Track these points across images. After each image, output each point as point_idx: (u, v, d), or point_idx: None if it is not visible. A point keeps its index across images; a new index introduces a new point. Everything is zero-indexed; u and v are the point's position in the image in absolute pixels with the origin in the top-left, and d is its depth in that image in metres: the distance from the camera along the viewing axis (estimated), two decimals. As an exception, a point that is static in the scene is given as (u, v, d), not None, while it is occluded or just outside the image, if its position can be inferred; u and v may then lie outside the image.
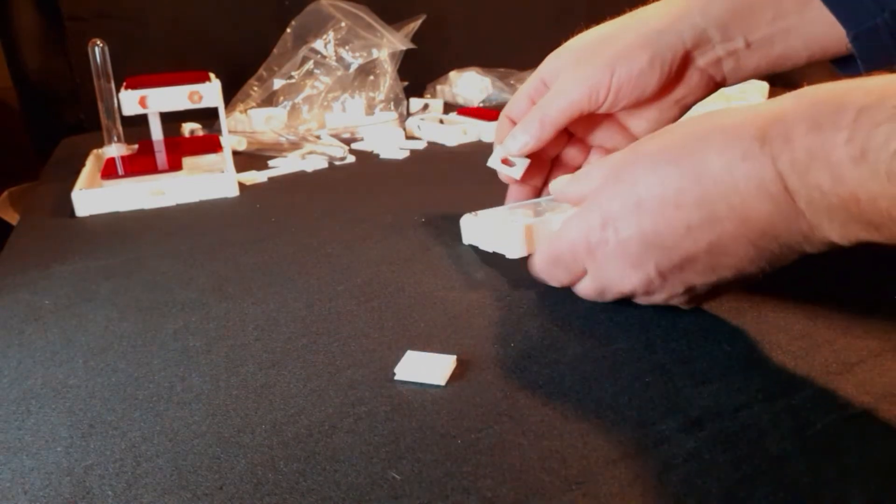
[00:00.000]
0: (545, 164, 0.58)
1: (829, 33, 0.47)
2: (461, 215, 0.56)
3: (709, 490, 0.30)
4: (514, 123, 0.55)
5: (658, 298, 0.41)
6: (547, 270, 0.44)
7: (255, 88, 0.99)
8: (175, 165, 0.74)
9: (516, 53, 1.24)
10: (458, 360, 0.40)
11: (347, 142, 0.92)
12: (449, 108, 1.10)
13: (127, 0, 1.10)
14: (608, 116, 0.54)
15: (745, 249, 0.35)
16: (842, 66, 0.50)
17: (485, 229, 0.53)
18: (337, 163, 0.84)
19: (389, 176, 0.80)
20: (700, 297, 0.40)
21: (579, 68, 0.51)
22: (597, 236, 0.39)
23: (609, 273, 0.40)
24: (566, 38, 0.54)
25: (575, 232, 0.40)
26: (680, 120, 0.42)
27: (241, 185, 0.75)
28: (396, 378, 0.38)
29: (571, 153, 0.58)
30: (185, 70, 0.80)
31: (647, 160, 0.37)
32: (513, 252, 0.49)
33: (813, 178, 0.31)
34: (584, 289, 0.43)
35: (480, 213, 0.55)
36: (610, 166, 0.40)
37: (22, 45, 1.11)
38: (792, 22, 0.47)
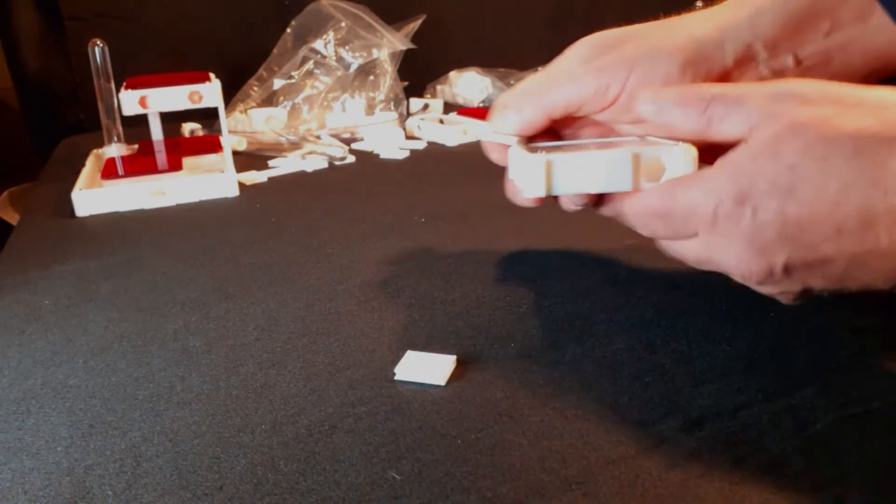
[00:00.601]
0: None
1: (894, 45, 0.41)
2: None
3: (709, 490, 0.30)
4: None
5: (767, 290, 0.36)
6: (646, 221, 0.38)
7: (255, 88, 0.99)
8: (175, 165, 0.74)
9: (516, 53, 1.24)
10: (458, 360, 0.40)
11: (347, 142, 0.92)
12: (449, 108, 1.10)
13: (127, 0, 1.10)
14: (605, 127, 0.45)
15: (888, 269, 0.32)
16: None
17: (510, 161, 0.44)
18: (337, 163, 0.84)
19: (389, 176, 0.80)
20: (809, 298, 0.36)
21: (593, 60, 0.43)
22: (727, 209, 0.33)
23: (727, 251, 0.35)
24: (566, 39, 0.52)
25: (700, 195, 0.34)
26: (859, 98, 0.33)
27: (241, 185, 0.75)
28: (396, 378, 0.39)
29: None
30: (185, 70, 0.80)
31: (818, 145, 0.31)
32: (531, 190, 0.40)
33: None
34: (683, 252, 0.37)
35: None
36: (770, 134, 0.33)
37: (22, 45, 1.11)
38: (852, 34, 0.41)
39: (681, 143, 0.37)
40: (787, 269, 0.33)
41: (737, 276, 0.36)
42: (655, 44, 0.41)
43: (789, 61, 0.42)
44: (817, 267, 0.33)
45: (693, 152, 0.36)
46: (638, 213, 0.38)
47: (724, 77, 0.41)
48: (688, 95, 0.36)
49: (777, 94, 0.34)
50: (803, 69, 0.42)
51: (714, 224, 0.34)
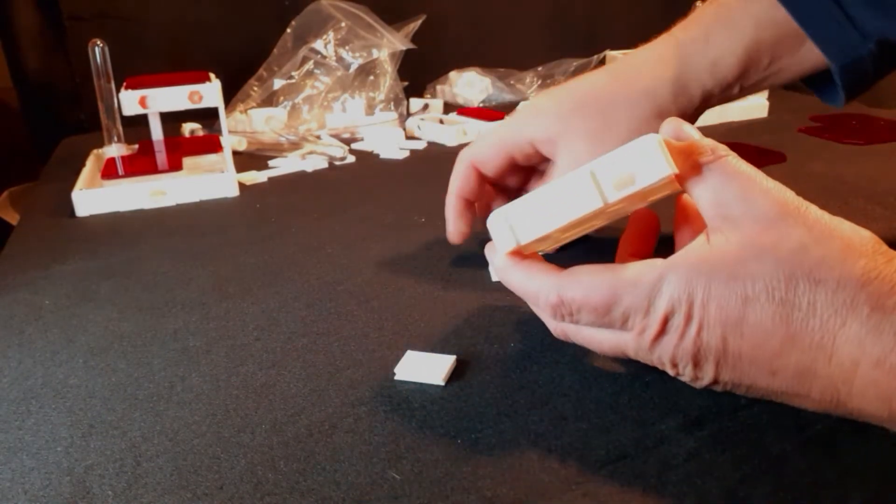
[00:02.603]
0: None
1: (817, 65, 0.48)
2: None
3: (709, 490, 0.30)
4: (468, 203, 0.51)
5: (681, 378, 0.34)
6: (574, 310, 0.34)
7: (255, 88, 0.99)
8: (175, 165, 0.74)
9: (516, 53, 1.24)
10: (458, 360, 0.40)
11: (347, 142, 0.92)
12: (449, 108, 1.10)
13: (127, 0, 1.10)
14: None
15: (815, 408, 0.31)
16: (823, 94, 0.51)
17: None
18: (337, 163, 0.84)
19: (389, 176, 0.80)
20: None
21: (541, 115, 0.49)
22: (677, 323, 0.31)
23: (658, 354, 0.33)
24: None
25: (649, 299, 0.32)
26: (837, 236, 0.30)
27: (241, 185, 0.75)
28: (396, 378, 0.39)
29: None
30: (185, 70, 0.80)
31: (779, 285, 0.29)
32: (503, 246, 0.36)
33: None
34: (596, 343, 0.35)
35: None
36: (735, 246, 0.31)
37: (22, 45, 1.11)
38: (785, 63, 0.48)
39: (644, 136, 0.32)
40: (714, 381, 0.32)
41: (662, 368, 0.34)
42: (615, 119, 0.47)
43: (736, 90, 0.49)
44: (742, 387, 0.32)
45: (657, 138, 0.32)
46: (569, 300, 0.34)
47: (684, 117, 0.43)
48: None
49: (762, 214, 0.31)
50: (743, 91, 0.49)
51: (660, 333, 0.32)
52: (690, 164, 0.32)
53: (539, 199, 0.34)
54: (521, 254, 0.36)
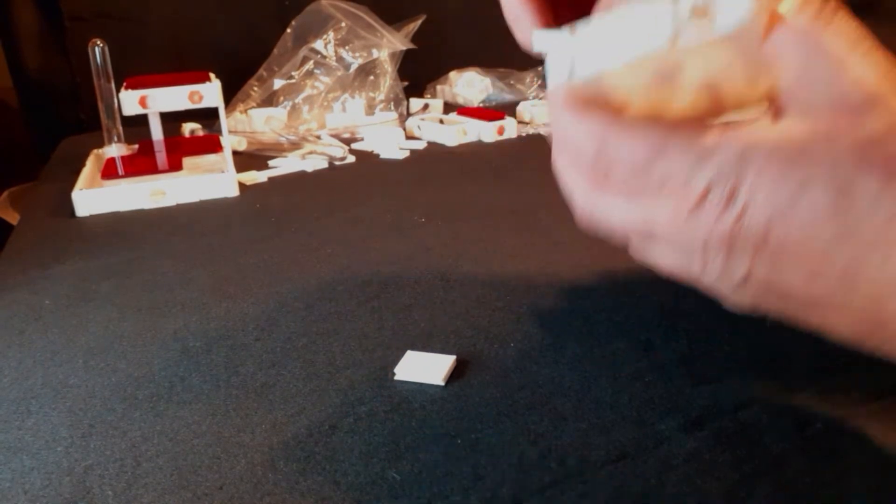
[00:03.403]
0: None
1: None
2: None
3: (709, 490, 0.30)
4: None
5: (706, 280, 0.30)
6: (600, 161, 0.30)
7: (256, 88, 0.99)
8: (175, 165, 0.74)
9: (516, 53, 1.24)
10: (457, 360, 0.40)
11: (347, 142, 0.92)
12: (449, 108, 1.10)
13: (127, 0, 1.10)
14: None
15: (848, 327, 0.28)
16: None
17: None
18: (337, 163, 0.84)
19: (389, 176, 0.80)
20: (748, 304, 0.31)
21: None
22: (718, 197, 0.27)
23: (683, 236, 0.29)
24: None
25: (695, 166, 0.28)
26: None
27: (241, 185, 0.75)
28: (396, 378, 0.39)
29: None
30: (185, 70, 0.80)
31: (844, 169, 0.26)
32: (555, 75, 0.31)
33: None
34: (612, 213, 0.31)
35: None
36: (807, 126, 0.27)
37: (22, 45, 1.11)
38: None
39: None
40: (746, 279, 0.29)
41: (686, 262, 0.30)
42: None
43: None
44: (775, 292, 0.29)
45: None
46: (613, 148, 0.29)
47: None
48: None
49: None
50: None
51: (697, 204, 0.28)
52: (780, 18, 0.27)
53: (601, 26, 0.29)
54: (581, 97, 0.31)
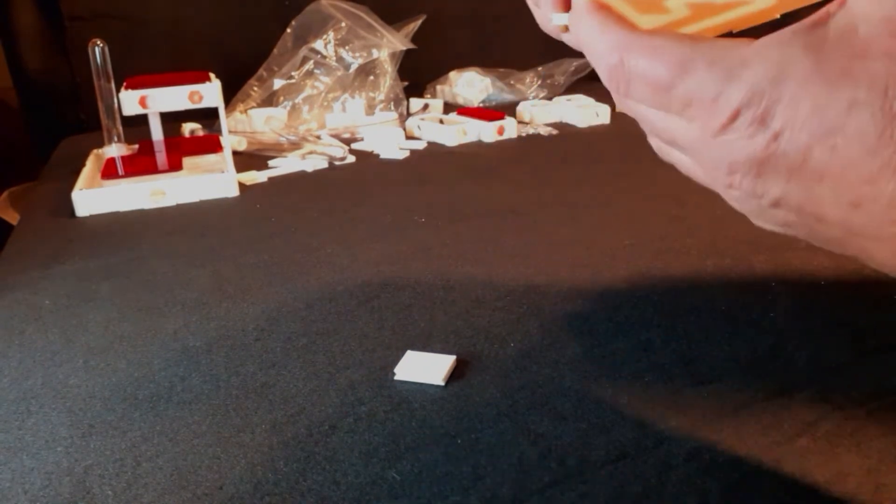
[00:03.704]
0: None
1: None
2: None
3: (709, 490, 0.30)
4: None
5: (734, 201, 0.28)
6: (630, 83, 0.28)
7: (256, 88, 0.99)
8: (175, 165, 0.74)
9: (516, 53, 1.24)
10: (457, 359, 0.40)
11: (347, 142, 0.92)
12: (449, 108, 1.10)
13: (127, 0, 1.10)
14: None
15: (886, 258, 0.26)
16: None
17: None
18: (337, 163, 0.84)
19: (389, 176, 0.80)
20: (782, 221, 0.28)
21: None
22: (748, 118, 0.25)
23: (716, 153, 0.27)
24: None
25: (721, 85, 0.25)
26: None
27: (241, 185, 0.75)
28: (396, 378, 0.39)
29: None
30: (185, 70, 0.80)
31: (894, 80, 0.23)
32: None
33: None
34: (650, 123, 0.29)
35: None
36: (852, 39, 0.24)
37: (22, 45, 1.11)
38: None
39: None
40: (776, 203, 0.26)
41: (710, 178, 0.28)
42: None
43: None
44: (809, 217, 0.26)
45: None
46: (630, 66, 0.28)
47: None
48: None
49: None
50: None
51: (724, 127, 0.26)
52: None
53: None
54: (606, 3, 0.29)
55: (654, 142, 0.30)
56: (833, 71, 0.24)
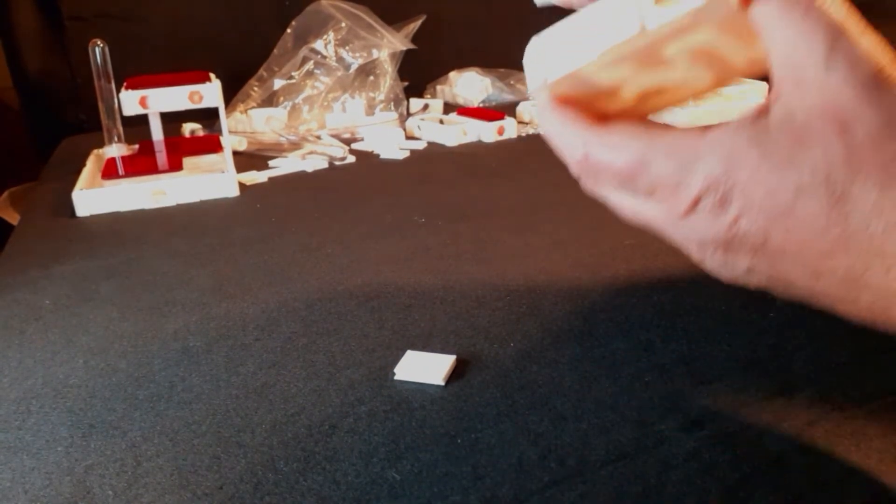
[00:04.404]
0: None
1: None
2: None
3: (709, 490, 0.30)
4: None
5: (706, 267, 0.30)
6: (595, 175, 0.30)
7: (256, 89, 0.99)
8: (175, 165, 0.74)
9: (516, 53, 1.24)
10: (457, 359, 0.40)
11: (347, 142, 0.92)
12: (449, 108, 1.10)
13: (127, 0, 1.10)
14: None
15: (856, 314, 0.27)
16: None
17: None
18: (337, 163, 0.84)
19: (389, 176, 0.80)
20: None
21: None
22: (710, 204, 0.27)
23: (687, 234, 0.29)
24: None
25: (680, 173, 0.27)
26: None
27: (242, 185, 0.75)
28: (396, 378, 0.39)
29: None
30: (185, 70, 0.80)
31: (843, 170, 0.25)
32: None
33: None
34: (621, 204, 0.31)
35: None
36: (792, 128, 0.26)
37: (22, 45, 1.11)
38: None
39: None
40: (748, 271, 0.28)
41: (684, 249, 0.30)
42: None
43: None
44: (779, 283, 0.28)
45: None
46: (595, 161, 0.29)
47: None
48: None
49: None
50: None
51: (688, 212, 0.28)
52: None
53: (571, 25, 0.29)
54: (567, 97, 0.31)
55: (631, 222, 0.32)
56: (778, 159, 0.25)
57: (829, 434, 0.32)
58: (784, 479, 0.30)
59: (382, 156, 0.87)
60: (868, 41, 0.25)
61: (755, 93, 1.02)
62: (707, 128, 0.27)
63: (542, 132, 0.32)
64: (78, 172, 0.75)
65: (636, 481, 0.30)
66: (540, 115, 0.32)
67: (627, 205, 0.30)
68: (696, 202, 0.27)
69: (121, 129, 0.76)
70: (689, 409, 0.35)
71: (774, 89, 0.26)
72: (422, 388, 0.38)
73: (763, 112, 0.26)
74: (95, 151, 0.83)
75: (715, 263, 0.29)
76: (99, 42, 0.71)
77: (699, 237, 0.28)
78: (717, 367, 0.38)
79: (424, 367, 0.39)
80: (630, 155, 0.28)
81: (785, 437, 0.32)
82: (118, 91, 0.73)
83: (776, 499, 0.29)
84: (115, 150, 0.76)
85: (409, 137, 0.95)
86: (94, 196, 0.69)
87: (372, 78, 1.02)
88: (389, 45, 1.01)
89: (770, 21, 0.26)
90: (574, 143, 0.30)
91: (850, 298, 0.27)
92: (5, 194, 1.12)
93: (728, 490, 0.30)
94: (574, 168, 0.31)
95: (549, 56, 0.30)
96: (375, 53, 1.00)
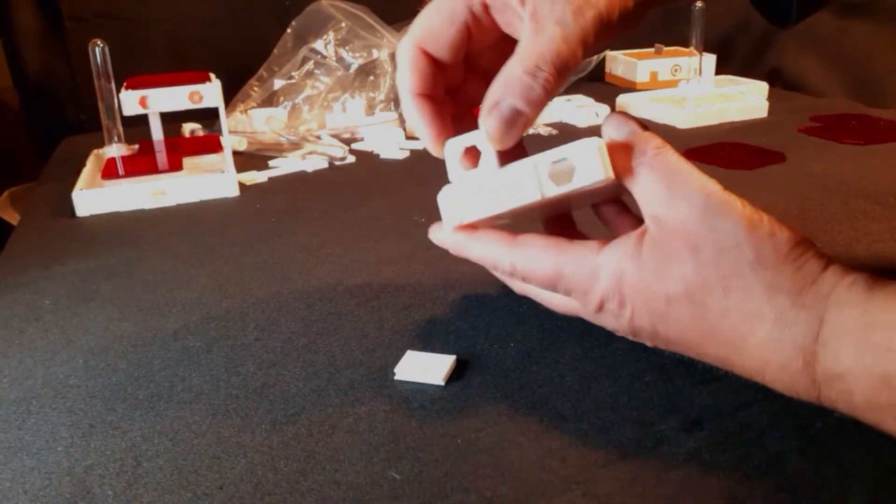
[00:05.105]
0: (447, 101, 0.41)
1: None
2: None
3: (709, 490, 0.30)
4: (432, 100, 0.39)
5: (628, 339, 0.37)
6: (527, 279, 0.37)
7: (256, 89, 0.99)
8: (175, 165, 0.74)
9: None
10: (457, 359, 0.40)
11: (347, 142, 0.92)
12: (449, 108, 1.09)
13: (127, 0, 1.10)
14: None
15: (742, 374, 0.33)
16: (771, 14, 0.49)
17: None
18: (337, 163, 0.84)
19: (389, 176, 0.80)
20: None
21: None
22: (612, 306, 0.34)
23: (601, 322, 0.36)
24: None
25: (588, 284, 0.34)
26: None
27: (242, 185, 0.75)
28: (396, 378, 0.39)
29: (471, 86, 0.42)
30: (185, 70, 0.80)
31: (689, 281, 0.32)
32: (448, 221, 0.38)
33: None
34: (545, 299, 0.40)
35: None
36: (655, 252, 0.33)
37: (22, 45, 1.11)
38: None
39: (587, 139, 0.33)
40: (655, 347, 0.35)
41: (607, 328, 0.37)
42: None
43: None
44: (692, 354, 0.34)
45: (598, 143, 0.33)
46: (521, 271, 0.36)
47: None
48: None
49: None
50: None
51: (597, 311, 0.35)
52: (628, 163, 0.33)
53: (483, 183, 0.36)
54: (473, 226, 0.38)
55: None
56: (651, 273, 0.33)
57: (829, 434, 0.32)
58: (784, 479, 0.30)
59: (382, 156, 0.87)
60: (697, 175, 0.32)
61: (755, 92, 1.02)
62: (603, 243, 0.34)
63: (468, 257, 0.38)
64: (78, 172, 0.75)
65: (636, 481, 0.30)
66: (459, 246, 0.38)
67: (555, 301, 0.39)
68: (601, 305, 0.34)
69: (121, 129, 0.76)
70: (689, 409, 0.35)
71: (646, 222, 0.33)
72: (422, 388, 0.38)
73: (641, 236, 0.33)
74: (95, 151, 0.83)
75: (629, 339, 0.36)
76: (99, 42, 0.71)
77: (612, 328, 0.36)
78: (717, 367, 0.38)
79: (424, 367, 0.39)
80: (548, 266, 0.35)
81: (785, 437, 0.32)
82: (118, 91, 0.73)
83: (776, 499, 0.29)
84: (115, 150, 0.76)
85: (409, 137, 0.95)
86: (94, 196, 0.69)
87: (372, 78, 1.02)
88: (389, 45, 1.01)
89: (635, 185, 0.33)
90: (502, 259, 0.37)
91: (728, 367, 0.33)
92: (5, 194, 1.12)
93: (728, 490, 0.30)
94: (504, 278, 0.40)
95: (463, 204, 0.37)
96: (375, 53, 1.00)
